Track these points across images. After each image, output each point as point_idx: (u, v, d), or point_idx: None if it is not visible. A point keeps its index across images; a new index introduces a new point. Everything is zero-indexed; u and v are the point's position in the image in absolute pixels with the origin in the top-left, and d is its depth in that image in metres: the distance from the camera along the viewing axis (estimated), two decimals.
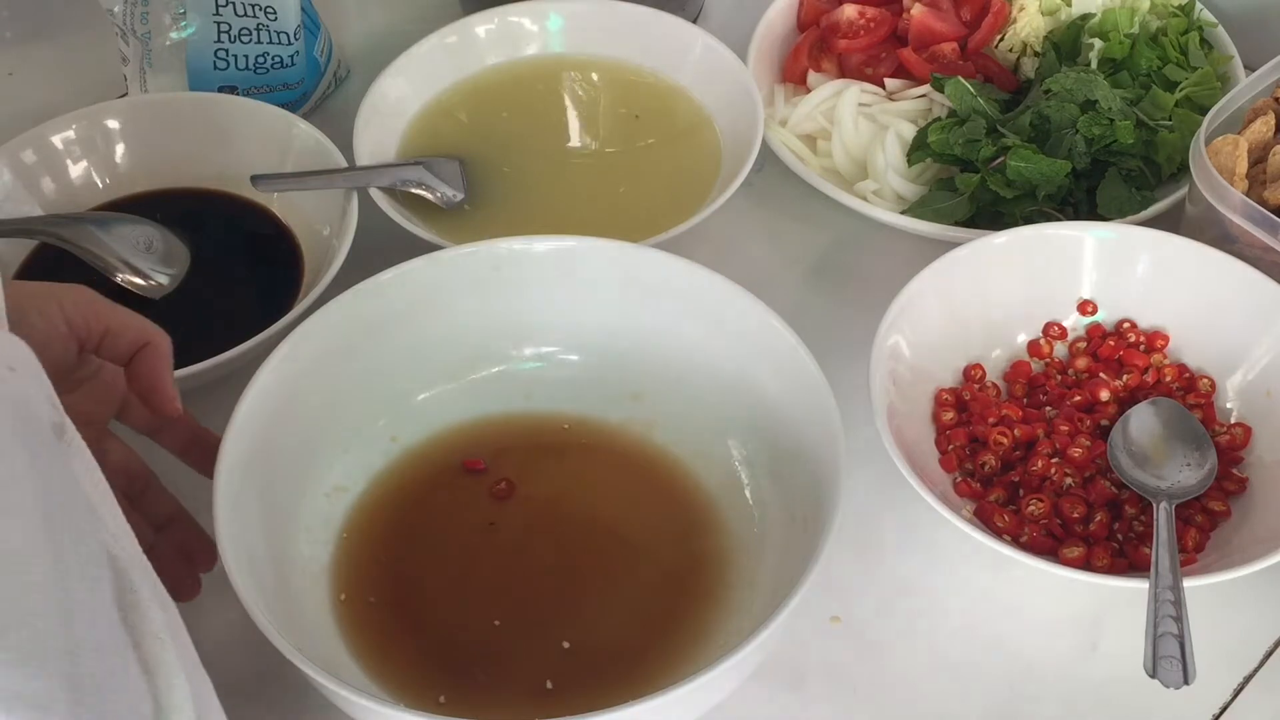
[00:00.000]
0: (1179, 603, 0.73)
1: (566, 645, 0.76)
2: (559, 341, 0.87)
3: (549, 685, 0.74)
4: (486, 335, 0.86)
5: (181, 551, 0.75)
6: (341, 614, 0.77)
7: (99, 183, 1.02)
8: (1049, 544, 0.81)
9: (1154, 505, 0.80)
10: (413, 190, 0.98)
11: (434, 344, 0.85)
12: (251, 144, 1.01)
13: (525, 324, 0.86)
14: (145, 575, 0.45)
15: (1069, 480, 0.83)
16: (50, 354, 0.69)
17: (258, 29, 1.05)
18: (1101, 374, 0.89)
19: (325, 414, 0.81)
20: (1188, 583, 0.75)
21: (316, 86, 1.11)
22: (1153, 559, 0.76)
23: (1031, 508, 0.82)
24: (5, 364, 0.42)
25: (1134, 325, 0.91)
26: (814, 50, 1.11)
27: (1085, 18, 1.07)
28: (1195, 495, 0.82)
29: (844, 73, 1.09)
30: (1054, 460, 0.84)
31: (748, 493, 0.81)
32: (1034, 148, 0.97)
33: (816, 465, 0.74)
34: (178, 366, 0.85)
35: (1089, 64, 1.04)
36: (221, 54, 1.05)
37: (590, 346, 0.86)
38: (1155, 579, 0.74)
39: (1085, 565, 0.80)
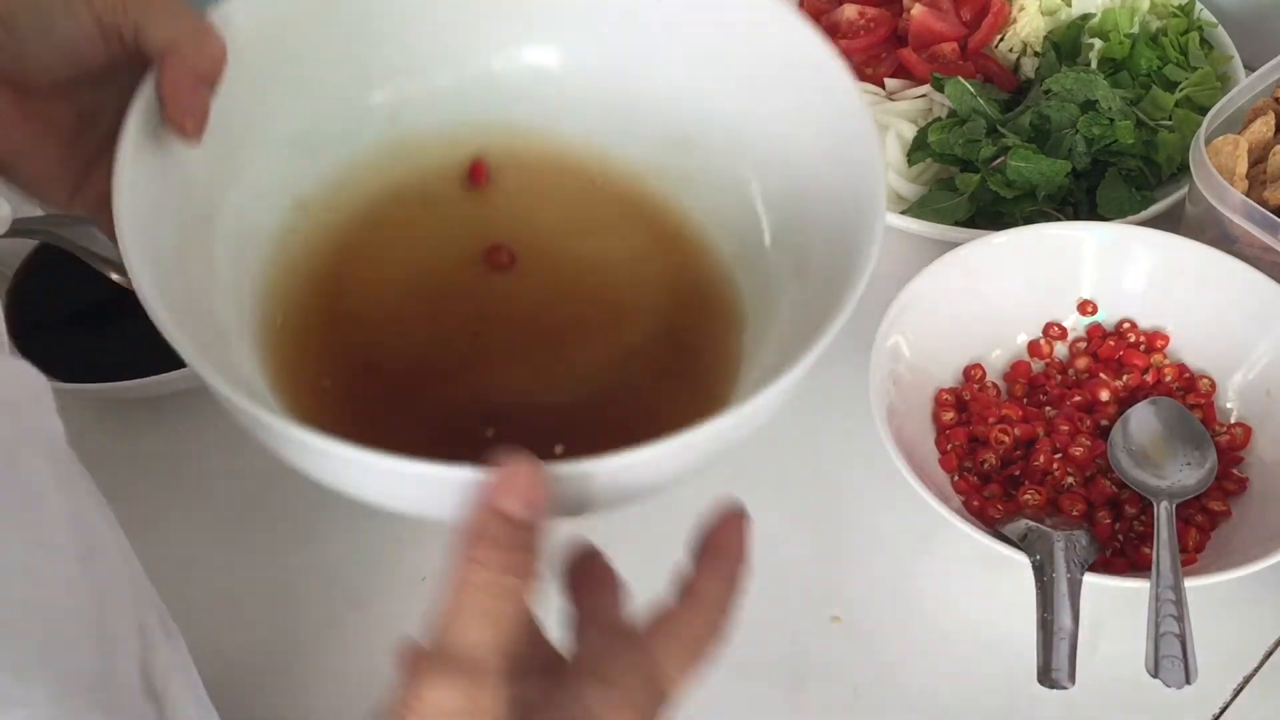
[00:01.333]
0: (1180, 602, 0.73)
1: (566, 401, 0.63)
2: (564, 36, 0.71)
3: (558, 450, 0.57)
4: (474, 13, 0.70)
5: None
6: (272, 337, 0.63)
7: None
8: None
9: (1154, 505, 0.80)
10: None
11: (392, 21, 0.69)
12: None
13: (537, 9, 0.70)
14: (155, 608, 0.45)
15: (1070, 479, 0.83)
16: (78, 56, 0.60)
17: None
18: (1101, 374, 0.89)
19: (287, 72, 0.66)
20: (1188, 583, 0.75)
21: None
22: (1154, 558, 0.76)
23: (1027, 496, 0.82)
24: (30, 395, 0.40)
25: (1134, 325, 0.91)
26: None
27: (1085, 18, 1.07)
28: (1195, 495, 0.82)
29: None
30: (1056, 455, 0.84)
31: (766, 238, 0.68)
32: (1034, 148, 0.97)
33: (847, 216, 0.63)
34: (173, 368, 0.85)
35: (1089, 64, 1.04)
36: None
37: (601, 40, 0.71)
38: (1156, 578, 0.74)
39: None
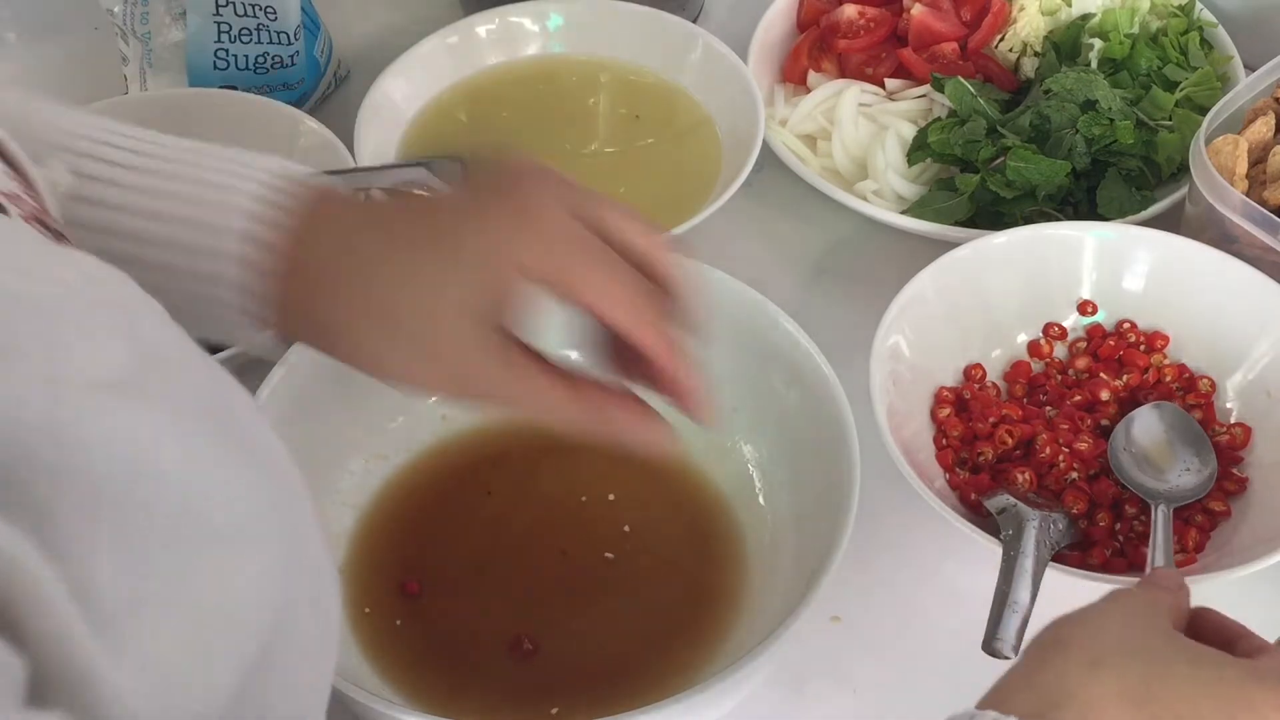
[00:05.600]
0: None
1: (579, 652, 0.76)
2: (568, 344, 0.86)
3: (554, 712, 0.74)
4: None
5: None
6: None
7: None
8: None
9: (1152, 507, 0.80)
10: (414, 191, 0.98)
11: None
12: (258, 141, 1.00)
13: (537, 325, 0.85)
14: None
15: (1074, 474, 0.83)
16: None
17: (258, 29, 1.05)
18: (1102, 374, 0.89)
19: (326, 426, 0.81)
20: (1188, 583, 0.75)
21: (316, 86, 1.11)
22: (1148, 561, 0.76)
23: (1019, 475, 0.82)
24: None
25: (1134, 325, 0.91)
26: (814, 50, 1.11)
27: (1085, 18, 1.07)
28: (1194, 499, 0.82)
29: (844, 73, 1.09)
30: (1063, 448, 0.84)
31: (761, 497, 0.81)
32: (1034, 148, 0.97)
33: (830, 472, 0.74)
34: None
35: (1089, 64, 1.04)
36: (221, 54, 1.05)
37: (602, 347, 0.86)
38: None
39: (1085, 565, 0.80)
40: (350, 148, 0.98)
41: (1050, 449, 0.84)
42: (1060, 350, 0.92)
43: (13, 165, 0.48)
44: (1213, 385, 0.89)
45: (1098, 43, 1.05)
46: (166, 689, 0.32)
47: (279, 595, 0.37)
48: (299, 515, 0.41)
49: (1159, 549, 0.76)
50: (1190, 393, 0.89)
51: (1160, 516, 0.79)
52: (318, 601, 0.40)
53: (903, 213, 0.99)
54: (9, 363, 0.32)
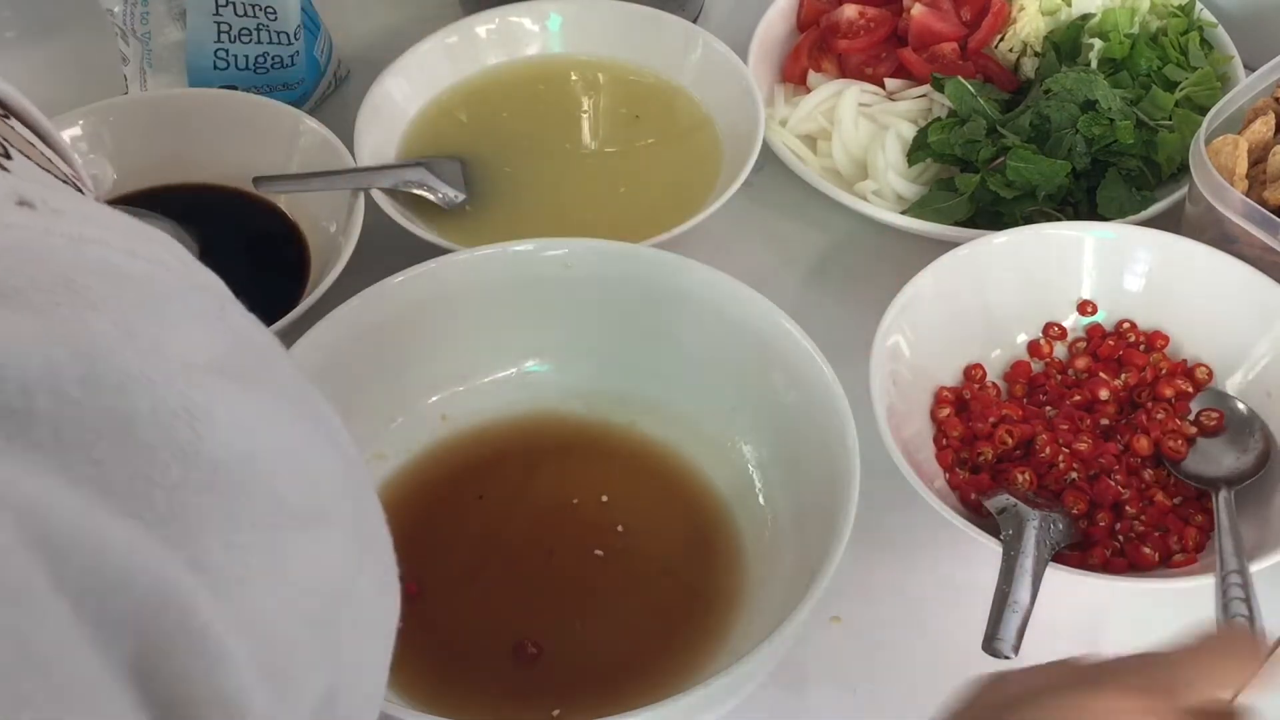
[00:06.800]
0: (1247, 585, 0.73)
1: (580, 653, 0.76)
2: (568, 345, 0.87)
3: (556, 714, 0.74)
4: (497, 337, 0.86)
5: None
6: None
7: (105, 178, 1.01)
8: None
9: (1213, 494, 0.80)
10: (414, 191, 0.98)
11: (441, 347, 0.84)
12: (258, 141, 1.01)
13: (537, 326, 0.86)
14: None
15: (1074, 474, 0.83)
16: None
17: (258, 29, 1.05)
18: (1101, 374, 0.89)
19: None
20: (1185, 583, 0.75)
21: (316, 87, 1.11)
22: (1216, 548, 0.76)
23: (1018, 475, 0.82)
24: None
25: (1134, 325, 0.91)
26: (814, 50, 1.11)
27: (1085, 18, 1.07)
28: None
29: (844, 73, 1.09)
30: (1062, 448, 0.84)
31: (760, 497, 0.81)
32: (1034, 148, 0.97)
33: (830, 472, 0.74)
34: None
35: (1089, 64, 1.04)
36: (221, 54, 1.05)
37: (600, 349, 0.86)
38: (1220, 566, 0.75)
39: (1085, 565, 0.80)
40: (350, 148, 0.98)
41: (1050, 449, 0.84)
42: (1060, 350, 0.92)
43: (63, 156, 0.48)
44: (1209, 373, 0.89)
45: (1098, 43, 1.05)
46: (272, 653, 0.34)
47: (350, 577, 0.38)
48: (369, 497, 0.42)
49: (1225, 535, 0.77)
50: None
51: (1222, 502, 0.79)
52: (385, 585, 0.41)
53: (903, 213, 0.99)
54: (136, 343, 0.33)
